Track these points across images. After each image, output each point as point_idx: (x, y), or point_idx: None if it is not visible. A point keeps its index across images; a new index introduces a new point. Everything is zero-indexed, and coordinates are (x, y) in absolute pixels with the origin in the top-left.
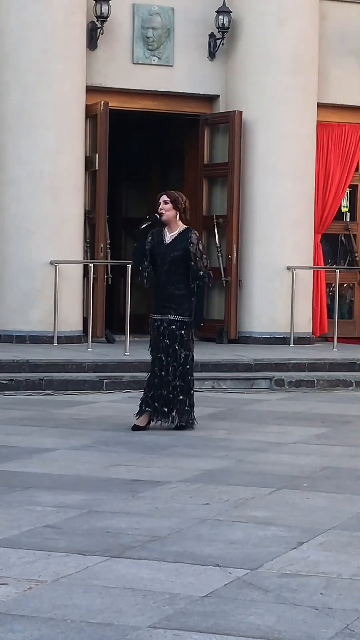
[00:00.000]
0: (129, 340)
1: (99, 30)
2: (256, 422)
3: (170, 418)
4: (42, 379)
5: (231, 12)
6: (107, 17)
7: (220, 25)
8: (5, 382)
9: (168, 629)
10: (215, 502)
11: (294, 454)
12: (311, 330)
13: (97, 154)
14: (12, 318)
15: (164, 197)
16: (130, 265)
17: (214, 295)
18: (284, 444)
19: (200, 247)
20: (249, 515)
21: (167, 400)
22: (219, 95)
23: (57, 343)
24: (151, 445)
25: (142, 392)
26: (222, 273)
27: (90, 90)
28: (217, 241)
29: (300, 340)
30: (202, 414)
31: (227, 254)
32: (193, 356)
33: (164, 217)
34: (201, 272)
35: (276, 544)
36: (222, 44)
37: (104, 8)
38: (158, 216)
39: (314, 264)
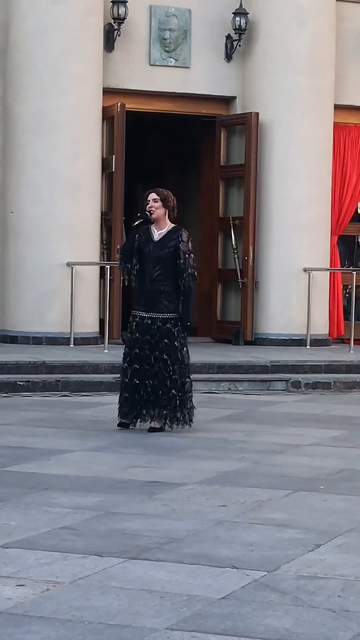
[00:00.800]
0: None
1: (116, 32)
2: (273, 424)
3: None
4: (58, 381)
5: (248, 13)
6: (124, 18)
7: (237, 27)
8: (22, 383)
9: (185, 631)
10: (232, 504)
11: (310, 456)
12: (328, 332)
13: (113, 156)
14: (28, 319)
15: (153, 195)
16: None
17: (230, 296)
18: (301, 446)
19: (190, 246)
20: (266, 517)
21: (166, 399)
22: (236, 97)
23: (74, 344)
24: (168, 446)
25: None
26: (239, 274)
27: (107, 92)
28: (233, 243)
29: (317, 342)
30: (219, 416)
31: (243, 256)
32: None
33: (153, 215)
34: (189, 270)
35: (293, 546)
36: (239, 46)
37: (121, 10)
38: (148, 214)
39: (331, 266)
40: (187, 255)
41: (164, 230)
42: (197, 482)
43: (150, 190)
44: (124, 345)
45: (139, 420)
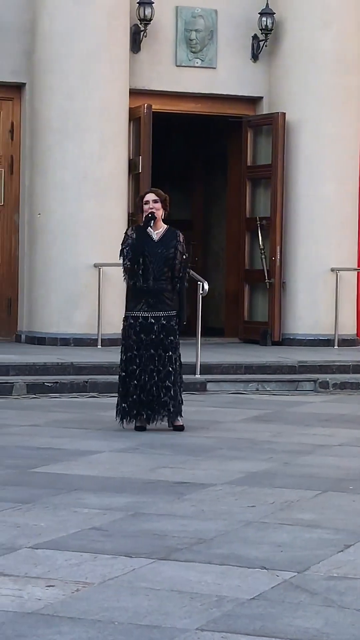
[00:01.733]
0: None
1: (142, 33)
2: (301, 425)
3: (169, 414)
4: (86, 382)
5: (274, 13)
6: (151, 19)
7: (264, 27)
8: (50, 384)
9: (216, 632)
10: (261, 504)
11: (339, 456)
12: (356, 332)
13: (140, 157)
14: (56, 320)
15: (153, 196)
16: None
17: (257, 297)
18: (329, 446)
19: (184, 247)
20: (295, 517)
21: (165, 398)
22: (262, 97)
23: (101, 345)
24: (196, 447)
25: (121, 396)
26: (266, 275)
27: (134, 93)
28: (260, 243)
29: (345, 342)
30: (247, 416)
31: (270, 256)
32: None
33: (156, 216)
34: (185, 270)
35: (323, 546)
36: (266, 46)
37: (147, 11)
38: (153, 215)
39: (358, 266)
40: (184, 257)
41: (161, 231)
42: (226, 482)
43: (148, 190)
44: (123, 349)
45: (147, 421)
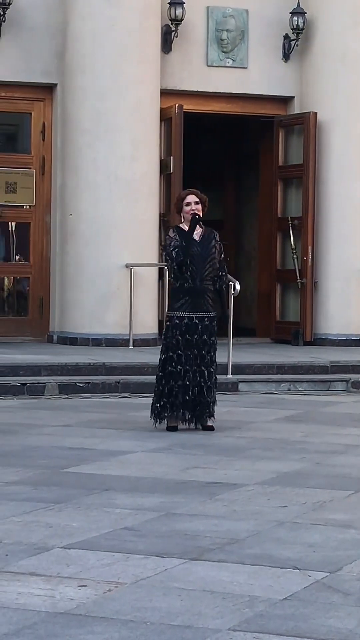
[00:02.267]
0: None
1: (173, 33)
2: (333, 425)
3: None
4: (118, 382)
5: (306, 13)
6: (182, 20)
7: (295, 27)
8: (82, 385)
9: (248, 632)
10: (293, 504)
11: None
12: None
13: (171, 157)
14: (88, 321)
15: (194, 198)
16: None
17: (289, 297)
18: None
19: (221, 247)
20: (328, 518)
21: (202, 397)
22: (294, 97)
23: (133, 346)
24: (228, 447)
25: (162, 395)
26: (298, 275)
27: (165, 93)
28: (292, 243)
29: None
30: (279, 416)
31: (302, 256)
32: None
33: (199, 217)
34: (225, 269)
35: (356, 547)
36: (297, 45)
37: (178, 11)
38: (198, 217)
39: None
40: (222, 255)
41: (201, 231)
42: (258, 482)
43: (188, 191)
44: (166, 349)
45: (185, 421)
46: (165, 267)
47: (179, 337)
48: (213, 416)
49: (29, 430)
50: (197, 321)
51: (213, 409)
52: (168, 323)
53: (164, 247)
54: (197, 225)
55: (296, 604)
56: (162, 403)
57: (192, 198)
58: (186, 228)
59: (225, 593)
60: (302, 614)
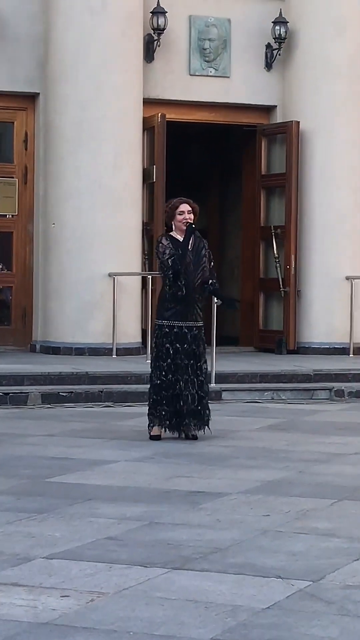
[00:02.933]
0: None
1: (155, 42)
2: (316, 433)
3: (198, 421)
4: (101, 391)
5: (288, 22)
6: (164, 29)
7: (277, 36)
8: (65, 394)
9: None
10: (277, 513)
11: (355, 465)
12: None
13: (154, 166)
14: (71, 330)
15: (188, 207)
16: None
17: (272, 306)
18: (345, 454)
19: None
20: (311, 526)
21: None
22: (276, 106)
23: (116, 355)
24: (211, 456)
25: (155, 403)
26: (281, 283)
27: (148, 102)
28: (275, 251)
29: None
30: (262, 425)
31: (285, 265)
32: None
33: (195, 226)
34: (215, 275)
35: (338, 555)
36: (279, 54)
37: (161, 20)
38: (194, 226)
39: None
40: (212, 264)
41: (191, 240)
42: (241, 491)
43: (182, 200)
44: (156, 358)
45: (174, 431)
46: (149, 276)
47: (169, 346)
48: (208, 425)
49: (12, 440)
50: (186, 330)
51: (208, 418)
52: (157, 332)
53: (158, 256)
54: (182, 233)
55: (279, 613)
56: (157, 412)
57: (185, 207)
58: (177, 236)
59: (208, 602)
60: (285, 623)
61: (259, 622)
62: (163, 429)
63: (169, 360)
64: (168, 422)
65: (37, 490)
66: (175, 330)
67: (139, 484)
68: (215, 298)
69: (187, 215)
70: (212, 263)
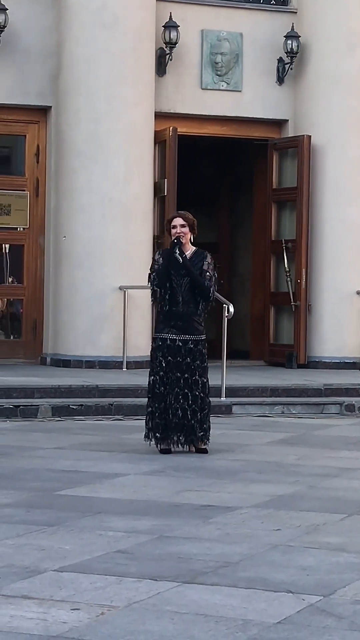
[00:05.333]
0: None
1: (167, 56)
2: (327, 448)
3: (195, 437)
4: (111, 404)
5: (300, 36)
6: (176, 43)
7: (289, 50)
8: (75, 407)
9: None
10: (287, 527)
11: None
12: None
13: (165, 180)
14: (81, 343)
15: (180, 221)
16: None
17: (283, 320)
18: (356, 469)
19: (212, 269)
20: (321, 541)
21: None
22: (288, 120)
23: (127, 368)
24: (221, 470)
25: (148, 415)
26: (292, 297)
27: (159, 116)
28: (286, 265)
29: None
30: (273, 439)
31: (296, 279)
32: None
33: (183, 240)
34: (212, 290)
35: (349, 570)
36: (291, 69)
37: (173, 34)
38: (180, 240)
39: None
40: (209, 277)
41: (189, 253)
42: (252, 505)
43: (175, 215)
44: (150, 370)
45: (172, 444)
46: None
47: (162, 359)
48: (202, 440)
49: (22, 453)
50: (180, 344)
51: (200, 433)
52: (153, 345)
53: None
54: (180, 248)
55: (290, 627)
56: (150, 424)
57: (177, 221)
58: (175, 251)
59: (218, 616)
60: (296, 638)
61: (270, 637)
62: (152, 441)
63: (161, 373)
64: (158, 434)
65: (47, 503)
66: (168, 343)
67: (149, 497)
68: (226, 311)
69: (178, 229)
70: (216, 277)
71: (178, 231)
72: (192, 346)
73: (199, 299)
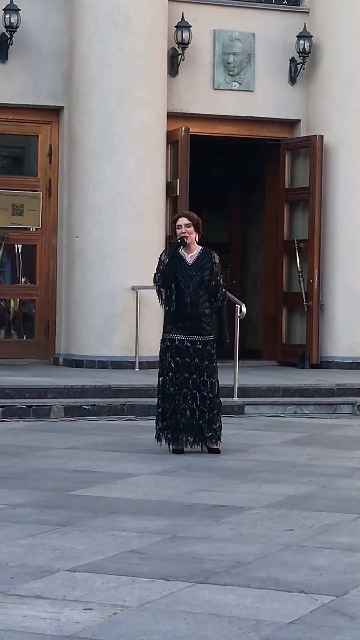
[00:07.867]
0: None
1: (179, 56)
2: (339, 448)
3: (204, 437)
4: (124, 404)
5: (312, 36)
6: (188, 43)
7: (301, 50)
8: (88, 407)
9: None
10: (300, 527)
11: None
12: None
13: (178, 180)
14: (94, 343)
15: (185, 221)
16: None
17: (295, 319)
18: None
19: (220, 268)
20: (334, 541)
21: (202, 421)
22: (300, 120)
23: (139, 368)
24: (234, 470)
25: (158, 415)
26: (304, 297)
27: (172, 116)
28: (298, 265)
29: None
30: (285, 439)
31: (308, 279)
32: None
33: (188, 240)
34: (222, 290)
35: None
36: (303, 69)
37: (185, 34)
38: (184, 240)
39: None
40: (219, 277)
41: (195, 253)
42: (264, 505)
43: (180, 214)
44: (159, 371)
45: (184, 444)
46: None
47: (170, 359)
48: (211, 440)
49: (35, 453)
50: (188, 344)
51: (216, 433)
52: (161, 345)
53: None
54: (186, 248)
55: (302, 627)
56: (160, 425)
57: (182, 221)
58: (182, 251)
59: (231, 617)
60: (309, 638)
61: (283, 637)
62: (162, 442)
63: (170, 373)
64: (169, 435)
65: (59, 503)
66: (176, 343)
67: (162, 497)
68: (239, 311)
69: (183, 229)
70: (221, 277)
71: (183, 231)
72: (200, 347)
73: (212, 299)
